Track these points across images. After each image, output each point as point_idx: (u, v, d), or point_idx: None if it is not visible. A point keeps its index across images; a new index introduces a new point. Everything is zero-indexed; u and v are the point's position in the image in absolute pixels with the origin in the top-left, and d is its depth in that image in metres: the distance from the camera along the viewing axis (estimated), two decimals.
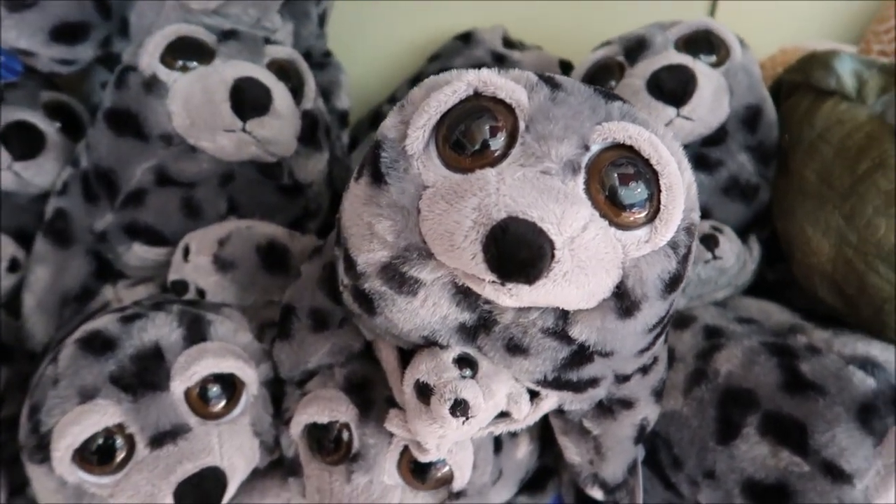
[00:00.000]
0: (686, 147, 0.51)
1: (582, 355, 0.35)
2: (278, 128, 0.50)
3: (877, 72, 0.48)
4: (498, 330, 0.35)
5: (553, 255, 0.28)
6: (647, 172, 0.31)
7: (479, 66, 0.33)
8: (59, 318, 0.53)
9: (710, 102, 0.50)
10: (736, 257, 0.52)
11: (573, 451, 0.45)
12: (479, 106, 0.31)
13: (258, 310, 0.50)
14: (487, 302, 0.34)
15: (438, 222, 0.30)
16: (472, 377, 0.36)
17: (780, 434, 0.41)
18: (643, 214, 0.31)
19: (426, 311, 0.34)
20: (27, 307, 0.53)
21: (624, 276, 0.32)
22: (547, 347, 0.34)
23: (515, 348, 0.35)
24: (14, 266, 0.55)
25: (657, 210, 0.31)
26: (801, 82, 0.53)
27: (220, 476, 0.42)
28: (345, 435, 0.42)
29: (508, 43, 0.71)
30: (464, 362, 0.37)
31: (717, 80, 0.51)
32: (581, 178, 0.31)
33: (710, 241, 0.51)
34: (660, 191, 0.31)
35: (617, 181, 0.31)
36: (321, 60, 0.66)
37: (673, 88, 0.49)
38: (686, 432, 0.46)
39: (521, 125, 0.31)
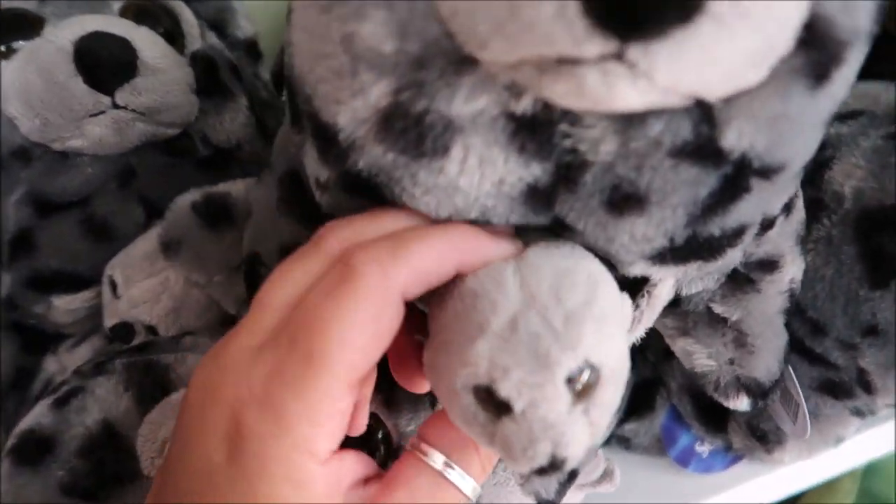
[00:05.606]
0: None
1: (737, 180, 0.21)
2: (159, 87, 0.37)
3: None
4: (591, 178, 0.21)
5: None
6: None
7: None
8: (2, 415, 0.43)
9: None
10: None
11: (703, 355, 0.32)
12: None
13: (226, 287, 0.38)
14: (568, 135, 0.20)
15: None
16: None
17: None
18: None
19: (469, 177, 0.20)
20: None
21: (816, 6, 0.18)
22: (682, 181, 0.21)
23: (624, 200, 0.21)
24: None
25: None
26: None
27: None
28: None
29: None
30: None
31: None
32: None
33: None
34: None
35: None
36: None
37: None
38: (820, 287, 0.34)
39: None
